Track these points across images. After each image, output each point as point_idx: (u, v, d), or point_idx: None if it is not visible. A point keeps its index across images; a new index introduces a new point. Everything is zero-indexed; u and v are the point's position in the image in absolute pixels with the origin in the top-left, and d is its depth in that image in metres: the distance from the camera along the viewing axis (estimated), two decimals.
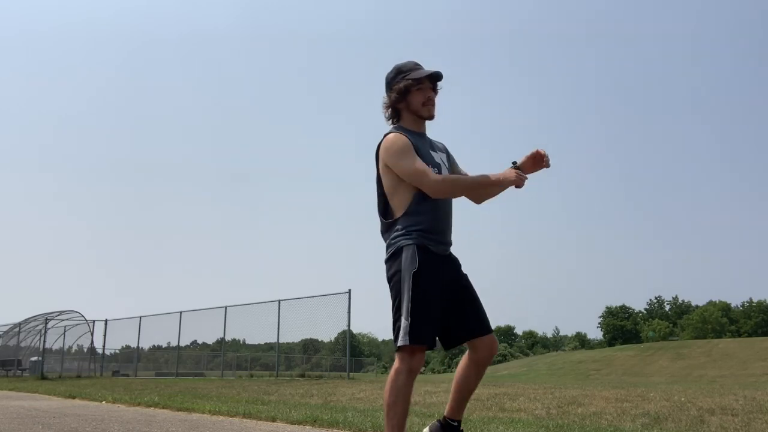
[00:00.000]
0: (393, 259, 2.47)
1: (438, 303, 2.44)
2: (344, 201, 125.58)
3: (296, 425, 4.58)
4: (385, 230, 2.56)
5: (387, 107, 2.63)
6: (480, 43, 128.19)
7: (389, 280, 2.48)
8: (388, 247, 2.52)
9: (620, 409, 5.34)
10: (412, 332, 2.34)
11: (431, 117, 2.60)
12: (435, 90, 2.60)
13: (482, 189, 2.57)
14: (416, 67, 2.60)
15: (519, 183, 2.41)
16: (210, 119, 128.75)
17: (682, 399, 6.14)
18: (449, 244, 2.59)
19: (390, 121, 2.64)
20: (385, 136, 2.55)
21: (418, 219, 2.46)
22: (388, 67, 2.64)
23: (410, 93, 2.55)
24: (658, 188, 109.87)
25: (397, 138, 2.50)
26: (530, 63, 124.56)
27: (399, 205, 2.51)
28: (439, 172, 2.53)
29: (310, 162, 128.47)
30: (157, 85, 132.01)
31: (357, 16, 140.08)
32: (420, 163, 2.44)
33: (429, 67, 2.61)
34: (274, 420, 4.90)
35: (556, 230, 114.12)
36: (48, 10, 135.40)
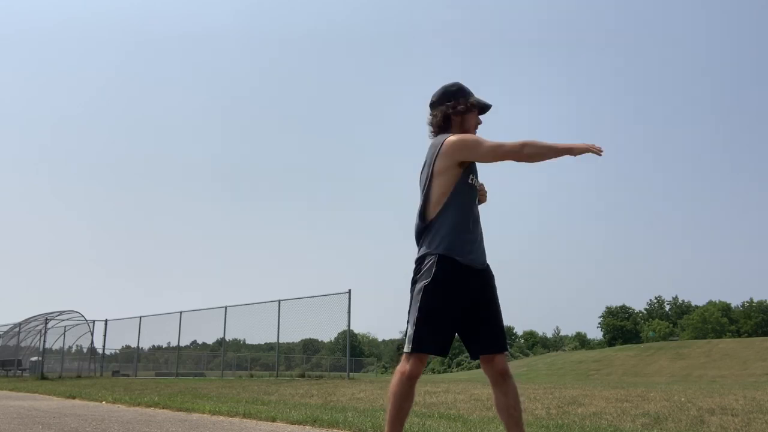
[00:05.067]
0: (417, 263, 2.57)
1: (449, 316, 2.47)
2: (345, 201, 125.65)
3: (296, 425, 4.58)
4: (421, 232, 2.60)
5: (442, 116, 2.68)
6: (483, 42, 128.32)
7: (411, 281, 2.58)
8: (419, 248, 2.59)
9: (620, 409, 5.34)
10: (414, 341, 2.46)
11: None
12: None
13: (558, 155, 2.50)
14: (471, 91, 2.73)
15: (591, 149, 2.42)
16: (210, 119, 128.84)
17: (682, 399, 6.15)
18: (482, 257, 2.59)
19: (437, 131, 2.69)
20: (446, 138, 2.58)
21: (450, 227, 2.52)
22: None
23: (470, 113, 2.69)
24: (658, 188, 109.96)
25: (464, 134, 2.60)
26: (531, 61, 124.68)
27: (437, 210, 2.55)
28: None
29: (311, 161, 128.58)
30: (156, 85, 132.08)
31: (359, 15, 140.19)
32: (495, 141, 2.52)
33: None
34: (274, 420, 4.90)
35: (556, 230, 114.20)
36: (47, 9, 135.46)
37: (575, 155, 2.45)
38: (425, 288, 2.47)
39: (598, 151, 2.43)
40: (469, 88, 2.76)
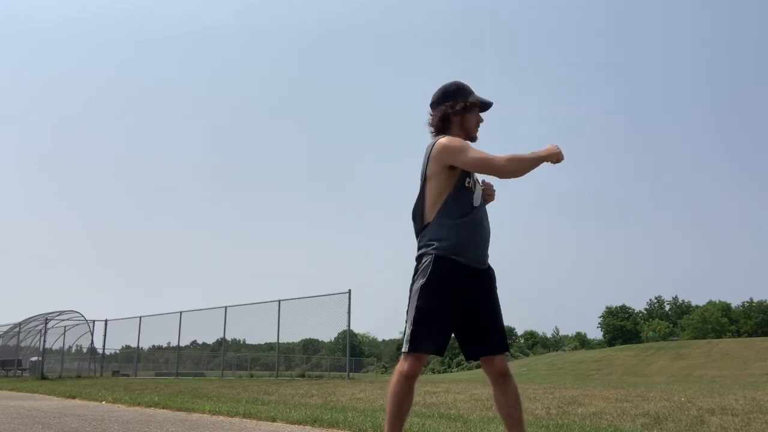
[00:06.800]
0: (416, 263, 2.57)
1: (446, 315, 2.46)
2: (344, 201, 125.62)
3: (296, 425, 4.58)
4: (419, 232, 2.61)
5: (440, 117, 2.67)
6: (485, 40, 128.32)
7: (411, 282, 2.58)
8: (417, 250, 2.59)
9: (620, 409, 5.34)
10: (411, 341, 2.45)
11: (476, 139, 2.69)
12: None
13: (537, 165, 2.54)
14: (471, 90, 2.70)
15: (559, 157, 2.53)
16: (210, 119, 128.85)
17: (682, 399, 6.15)
18: (482, 257, 2.56)
19: (436, 131, 2.68)
20: (437, 141, 2.58)
21: (448, 228, 2.51)
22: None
23: (470, 112, 2.66)
24: (658, 188, 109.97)
25: (453, 138, 2.58)
26: (533, 60, 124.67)
27: (433, 212, 2.55)
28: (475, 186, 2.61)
29: (311, 161, 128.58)
30: (156, 85, 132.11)
31: (360, 15, 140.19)
32: (483, 152, 2.52)
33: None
34: (274, 420, 4.90)
35: (556, 230, 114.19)
36: (47, 9, 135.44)
37: (554, 163, 2.53)
38: (421, 287, 2.47)
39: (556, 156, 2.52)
40: (470, 86, 2.72)
